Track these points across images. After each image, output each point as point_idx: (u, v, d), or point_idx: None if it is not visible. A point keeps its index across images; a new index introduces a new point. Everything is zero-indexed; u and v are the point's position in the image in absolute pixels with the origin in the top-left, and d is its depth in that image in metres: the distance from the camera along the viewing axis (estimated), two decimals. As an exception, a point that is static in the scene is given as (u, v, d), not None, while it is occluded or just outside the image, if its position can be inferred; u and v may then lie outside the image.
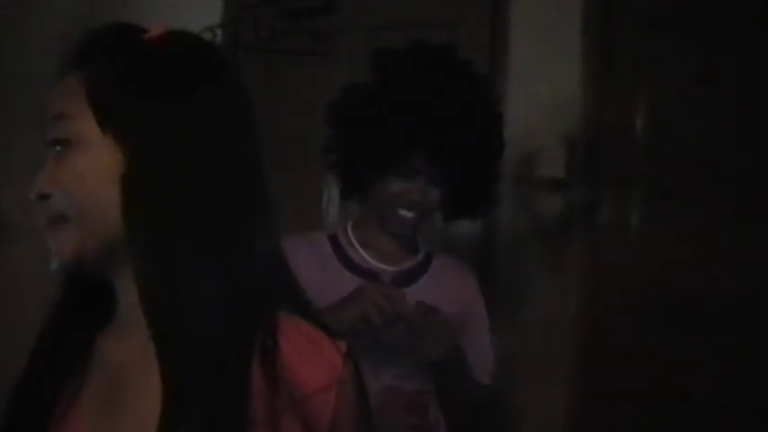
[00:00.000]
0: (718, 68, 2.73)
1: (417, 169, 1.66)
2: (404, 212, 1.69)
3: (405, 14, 2.91)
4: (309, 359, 0.89)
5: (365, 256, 1.75)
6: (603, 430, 2.77)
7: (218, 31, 2.90)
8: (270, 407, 0.84)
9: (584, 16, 2.73)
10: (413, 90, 1.65)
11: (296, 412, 0.85)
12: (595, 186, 2.76)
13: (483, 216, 1.89)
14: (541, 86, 2.69)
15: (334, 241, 1.77)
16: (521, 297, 2.72)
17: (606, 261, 2.78)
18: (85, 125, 0.90)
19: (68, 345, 0.95)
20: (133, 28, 0.96)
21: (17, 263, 3.04)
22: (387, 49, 1.77)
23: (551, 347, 2.71)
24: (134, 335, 0.91)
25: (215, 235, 0.88)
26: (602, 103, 2.76)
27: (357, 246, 1.76)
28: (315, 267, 1.49)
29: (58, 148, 0.91)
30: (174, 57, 0.92)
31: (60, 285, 0.97)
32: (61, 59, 0.95)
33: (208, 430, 0.81)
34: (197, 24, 2.90)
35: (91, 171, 0.89)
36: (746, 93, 2.72)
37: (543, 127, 2.65)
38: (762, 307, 2.69)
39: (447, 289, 1.77)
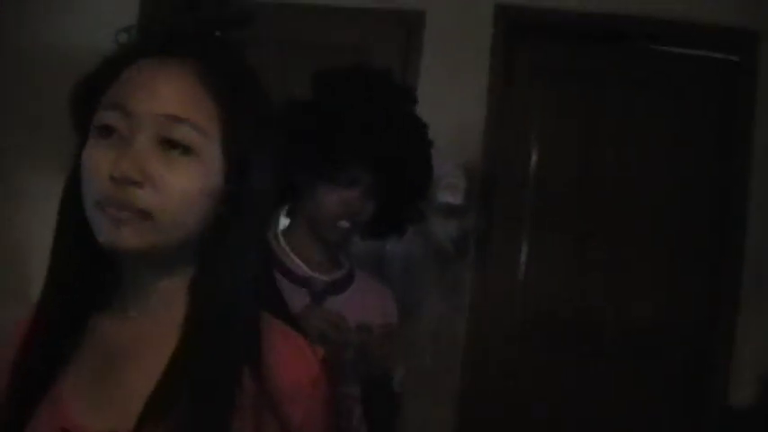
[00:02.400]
0: (602, 116, 2.97)
1: (357, 179, 1.72)
2: (342, 222, 1.76)
3: (318, 35, 2.99)
4: (291, 359, 0.92)
5: (299, 263, 1.77)
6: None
7: (134, 33, 2.88)
8: (252, 400, 0.87)
9: (492, 56, 2.89)
10: (354, 105, 1.72)
11: (273, 408, 0.88)
12: (489, 214, 2.91)
13: (403, 234, 1.96)
14: (446, 117, 2.81)
15: None
16: (413, 316, 2.80)
17: (495, 286, 2.95)
18: (207, 138, 0.89)
19: (65, 323, 0.94)
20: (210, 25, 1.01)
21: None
22: (329, 70, 1.83)
23: (439, 365, 2.82)
24: (137, 316, 0.93)
25: (254, 239, 0.93)
26: (500, 138, 2.93)
27: (290, 253, 1.78)
28: None
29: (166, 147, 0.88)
30: (246, 68, 0.97)
31: (56, 263, 0.95)
32: (152, 41, 0.96)
33: (205, 402, 0.85)
34: (111, 26, 2.89)
35: (203, 185, 0.88)
36: (626, 133, 2.97)
37: (445, 155, 2.76)
38: (643, 335, 2.91)
39: (372, 300, 1.83)
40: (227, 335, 0.87)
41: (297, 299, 1.70)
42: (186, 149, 0.87)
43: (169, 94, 0.88)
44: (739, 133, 2.92)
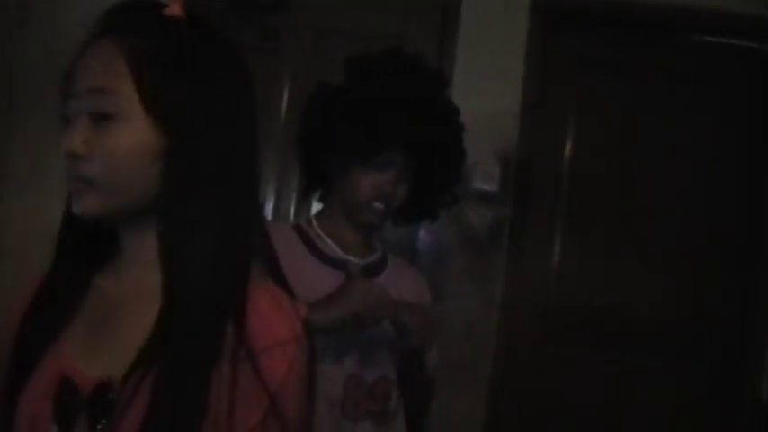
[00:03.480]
0: (639, 109, 2.94)
1: (390, 162, 1.72)
2: (377, 204, 1.76)
3: (354, 22, 2.97)
4: (274, 316, 0.96)
5: (334, 247, 1.78)
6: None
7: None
8: (232, 353, 0.91)
9: (528, 43, 2.86)
10: (386, 88, 1.72)
11: (253, 362, 0.92)
12: (523, 203, 2.89)
13: (435, 219, 1.96)
14: (481, 104, 2.80)
15: (300, 231, 1.80)
16: (445, 304, 2.79)
17: (528, 275, 2.93)
18: (129, 103, 0.94)
19: (69, 283, 1.02)
20: (152, 2, 0.99)
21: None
22: (361, 55, 1.83)
23: (471, 355, 2.80)
24: (130, 275, 1.01)
25: (225, 201, 0.96)
26: (535, 127, 2.90)
27: (326, 237, 1.79)
28: (282, 251, 1.50)
29: (97, 119, 0.95)
30: (197, 36, 0.97)
31: (62, 232, 1.04)
32: (92, 25, 0.97)
33: (185, 354, 0.90)
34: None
35: (131, 147, 0.94)
36: (665, 128, 2.93)
37: (480, 142, 2.74)
38: (675, 331, 2.87)
39: (406, 284, 1.83)
40: (201, 296, 0.92)
41: (332, 281, 1.71)
42: (114, 117, 0.93)
43: (94, 69, 0.95)
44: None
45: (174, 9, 0.97)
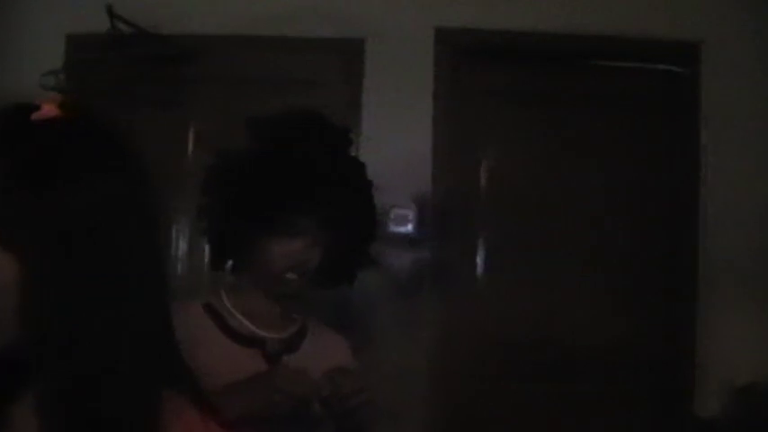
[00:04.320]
0: (553, 137, 2.95)
1: (297, 227, 1.65)
2: (290, 275, 1.68)
3: (262, 70, 2.91)
4: None
5: (248, 324, 1.68)
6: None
7: (62, 76, 2.78)
8: None
9: (435, 81, 2.84)
10: (289, 152, 1.66)
11: None
12: (444, 243, 2.85)
13: (353, 282, 1.89)
14: (393, 147, 2.77)
15: (211, 311, 1.71)
16: (371, 349, 2.73)
17: (454, 315, 2.88)
18: None
19: None
20: (22, 108, 0.87)
21: None
22: (260, 117, 1.76)
23: (400, 400, 2.74)
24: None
25: (109, 323, 0.84)
26: (449, 164, 2.88)
27: (238, 314, 1.68)
28: (191, 337, 1.41)
29: None
30: (64, 143, 0.86)
31: None
32: None
33: None
34: (42, 67, 2.77)
35: None
36: (576, 150, 2.95)
37: (393, 186, 2.70)
38: (605, 354, 2.87)
39: (327, 352, 1.75)
40: None
41: (248, 362, 1.62)
42: None
43: None
44: (686, 143, 2.93)
45: (48, 111, 0.86)
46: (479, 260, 2.94)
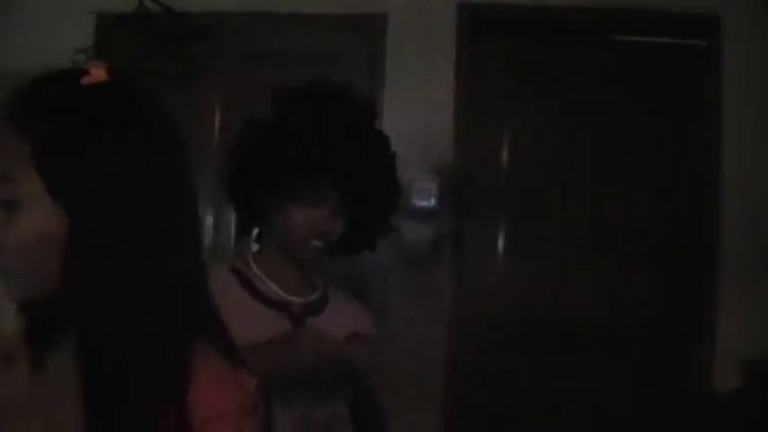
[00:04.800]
0: (574, 111, 2.96)
1: (323, 197, 1.69)
2: (315, 242, 1.71)
3: (281, 46, 2.94)
4: (213, 390, 0.92)
5: (275, 288, 1.73)
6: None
7: (92, 53, 2.84)
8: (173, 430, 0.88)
9: (457, 56, 2.86)
10: (313, 122, 1.70)
11: None
12: (464, 217, 2.89)
13: (374, 249, 1.94)
14: (415, 121, 2.80)
15: (238, 274, 1.75)
16: (390, 323, 2.78)
17: (474, 289, 2.92)
18: (31, 188, 0.89)
19: (25, 367, 0.97)
20: (71, 73, 0.94)
21: None
22: (286, 88, 1.81)
23: (422, 374, 2.79)
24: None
25: (147, 279, 0.91)
26: (471, 138, 2.90)
27: (265, 278, 1.73)
28: (221, 298, 1.46)
29: (7, 207, 0.91)
30: (113, 106, 0.92)
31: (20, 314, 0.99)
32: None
33: None
34: (68, 45, 2.83)
35: (35, 233, 0.90)
36: (597, 125, 2.96)
37: (415, 159, 2.75)
38: (622, 330, 2.90)
39: (350, 317, 1.79)
40: (129, 387, 0.88)
41: (275, 323, 1.68)
42: (20, 204, 0.90)
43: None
44: (708, 117, 2.91)
45: (97, 76, 0.92)
46: (499, 234, 2.97)
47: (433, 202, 2.79)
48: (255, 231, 1.83)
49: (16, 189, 0.89)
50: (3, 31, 3.00)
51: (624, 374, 2.91)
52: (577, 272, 2.94)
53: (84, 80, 0.92)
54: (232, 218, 2.87)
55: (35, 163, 0.89)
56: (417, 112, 2.84)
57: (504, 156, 2.99)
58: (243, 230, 1.87)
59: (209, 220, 2.94)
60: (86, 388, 0.88)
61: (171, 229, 0.94)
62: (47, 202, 0.89)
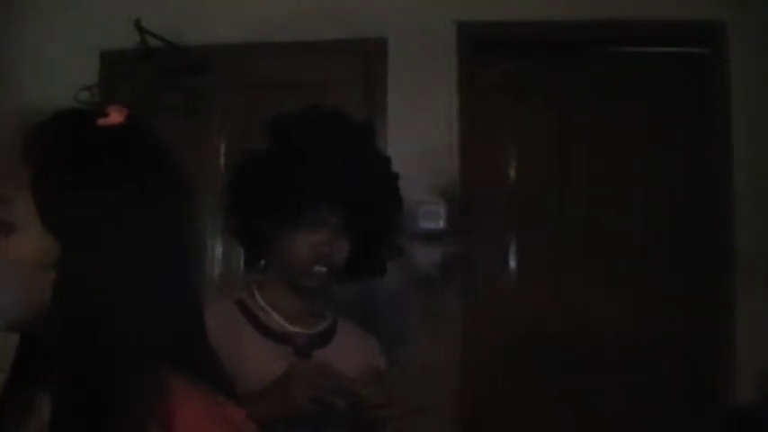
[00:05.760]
0: (579, 126, 2.95)
1: (323, 221, 1.68)
2: (318, 267, 1.70)
3: (280, 75, 2.95)
4: (198, 425, 0.92)
5: (278, 319, 1.72)
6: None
7: (96, 90, 2.86)
8: None
9: (458, 75, 2.86)
10: (309, 146, 1.70)
11: None
12: (472, 237, 2.87)
13: (383, 274, 1.92)
14: (419, 143, 2.79)
15: (243, 306, 1.76)
16: (400, 348, 2.75)
17: (483, 309, 2.89)
18: (25, 212, 0.91)
19: (16, 402, 0.98)
20: (88, 112, 0.98)
21: None
22: (280, 115, 1.81)
23: (432, 397, 2.76)
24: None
25: (137, 312, 0.92)
26: (475, 158, 2.89)
27: (268, 309, 1.72)
28: (224, 332, 1.44)
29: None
30: (120, 147, 0.94)
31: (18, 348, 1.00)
32: (12, 144, 0.95)
33: None
34: (74, 83, 2.85)
35: (25, 257, 0.91)
36: (602, 138, 2.94)
37: (421, 182, 2.74)
38: (637, 346, 2.86)
39: (357, 350, 1.78)
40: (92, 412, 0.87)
41: (279, 356, 1.66)
42: (13, 226, 0.92)
43: (1, 178, 0.94)
44: (716, 126, 2.87)
45: (114, 119, 0.95)
46: (509, 253, 2.95)
47: (441, 224, 2.78)
48: (262, 263, 1.83)
49: (13, 211, 0.91)
50: (6, 68, 3.03)
51: (641, 390, 2.86)
52: (590, 288, 2.91)
53: (101, 121, 0.95)
54: (240, 249, 2.87)
55: (32, 189, 0.91)
56: (421, 134, 2.83)
57: (512, 173, 2.98)
58: (250, 262, 1.87)
59: (218, 251, 2.94)
60: (54, 416, 0.88)
61: (161, 267, 0.95)
62: (37, 228, 0.91)
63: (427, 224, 2.77)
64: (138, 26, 2.82)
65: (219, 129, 2.98)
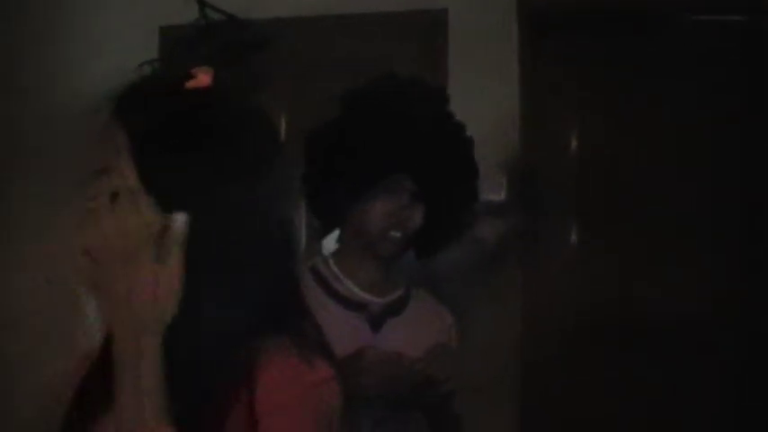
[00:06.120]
0: (640, 99, 2.89)
1: (401, 186, 1.68)
2: (393, 233, 1.70)
3: (341, 51, 2.94)
4: (280, 381, 0.94)
5: (352, 287, 1.73)
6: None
7: (157, 65, 2.88)
8: (240, 418, 0.91)
9: (520, 47, 2.82)
10: (385, 113, 1.70)
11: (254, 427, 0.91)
12: (534, 210, 2.84)
13: (459, 240, 1.91)
14: (481, 116, 2.74)
15: (316, 273, 1.76)
16: (463, 322, 2.74)
17: (544, 283, 2.87)
18: (127, 181, 0.92)
19: (101, 388, 0.97)
20: (177, 75, 0.99)
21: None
22: (356, 86, 1.81)
23: (495, 372, 2.75)
24: None
25: (239, 272, 0.93)
26: (539, 130, 2.85)
27: (342, 277, 1.73)
28: None
29: (103, 200, 0.93)
30: (214, 110, 0.96)
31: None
32: (105, 108, 0.96)
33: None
34: (135, 58, 2.88)
35: (130, 226, 0.91)
36: (673, 118, 2.86)
37: (483, 153, 2.70)
38: (699, 327, 2.81)
39: (429, 322, 1.79)
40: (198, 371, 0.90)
41: (353, 325, 1.68)
42: (119, 196, 0.92)
43: (102, 149, 0.95)
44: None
45: (201, 81, 0.97)
46: (570, 227, 2.92)
47: (502, 196, 2.76)
48: (337, 232, 1.83)
49: (115, 181, 0.92)
50: (68, 45, 3.09)
51: (702, 372, 2.84)
52: (652, 265, 2.86)
53: (190, 84, 0.96)
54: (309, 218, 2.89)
55: (132, 156, 0.92)
56: (482, 106, 2.80)
57: (573, 147, 2.93)
58: (325, 232, 1.87)
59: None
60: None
61: (264, 226, 0.95)
62: (141, 196, 0.91)
63: (488, 197, 2.75)
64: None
65: (279, 104, 2.98)
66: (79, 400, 1.01)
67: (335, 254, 1.80)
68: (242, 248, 0.93)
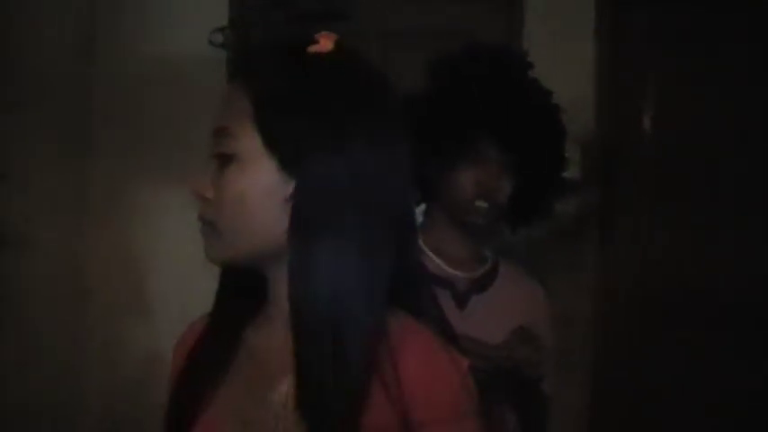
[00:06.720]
0: (721, 72, 2.82)
1: (490, 155, 1.67)
2: (480, 203, 1.69)
3: (417, 22, 2.92)
4: (432, 382, 0.90)
5: (439, 263, 1.71)
6: (619, 427, 2.82)
7: (228, 32, 2.89)
8: (385, 421, 0.87)
9: (596, 20, 2.77)
10: (475, 81, 1.68)
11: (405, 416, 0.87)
12: (608, 186, 2.81)
13: (551, 213, 1.89)
14: (555, 89, 2.72)
15: None
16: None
17: (619, 260, 2.84)
18: (250, 144, 0.91)
19: (224, 339, 0.98)
20: (300, 39, 0.97)
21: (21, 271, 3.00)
22: (441, 55, 1.80)
23: (566, 347, 2.74)
24: (278, 332, 0.95)
25: (363, 243, 0.91)
26: (613, 106, 2.81)
27: (429, 252, 1.70)
28: None
29: (222, 161, 0.93)
30: (338, 75, 0.93)
31: (220, 282, 1.01)
32: (228, 68, 0.96)
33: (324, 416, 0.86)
34: (205, 25, 2.89)
35: (251, 190, 0.91)
36: (750, 95, 2.80)
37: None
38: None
39: (518, 298, 1.77)
40: (331, 346, 0.87)
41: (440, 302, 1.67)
42: (235, 158, 0.91)
43: (222, 110, 0.95)
44: None
45: (325, 45, 0.95)
46: (645, 205, 2.88)
47: (576, 172, 2.73)
48: (423, 206, 1.82)
49: (234, 143, 0.92)
50: (138, 12, 3.10)
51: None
52: (727, 245, 2.82)
53: (311, 48, 0.94)
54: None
55: (256, 120, 0.91)
56: (558, 82, 2.75)
57: (648, 124, 2.89)
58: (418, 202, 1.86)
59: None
60: (297, 357, 0.89)
61: (386, 197, 0.93)
62: (263, 159, 0.91)
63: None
64: (272, -34, 2.82)
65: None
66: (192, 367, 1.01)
67: (421, 227, 1.76)
68: (369, 216, 0.91)
